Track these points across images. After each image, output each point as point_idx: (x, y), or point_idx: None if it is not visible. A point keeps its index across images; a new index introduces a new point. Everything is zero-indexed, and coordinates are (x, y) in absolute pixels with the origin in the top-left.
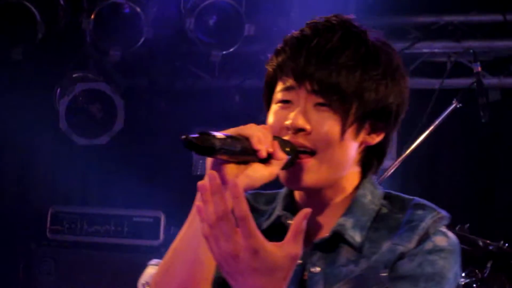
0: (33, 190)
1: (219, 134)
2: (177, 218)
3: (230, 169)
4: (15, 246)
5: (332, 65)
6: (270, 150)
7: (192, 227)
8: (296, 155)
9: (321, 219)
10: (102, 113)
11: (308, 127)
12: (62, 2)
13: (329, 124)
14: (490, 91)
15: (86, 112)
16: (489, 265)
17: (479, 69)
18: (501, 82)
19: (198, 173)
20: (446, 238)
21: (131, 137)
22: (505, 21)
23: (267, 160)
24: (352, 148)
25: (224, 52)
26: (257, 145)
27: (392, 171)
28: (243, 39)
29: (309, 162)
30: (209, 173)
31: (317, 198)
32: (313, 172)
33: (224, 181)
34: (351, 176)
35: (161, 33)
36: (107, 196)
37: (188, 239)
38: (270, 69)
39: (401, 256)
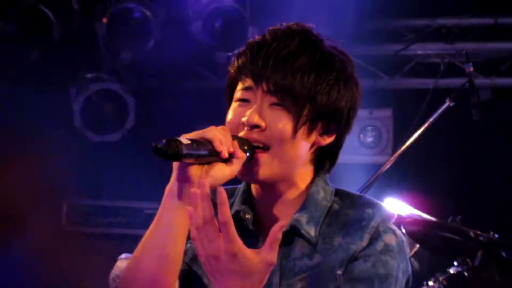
0: (49, 184)
1: (184, 140)
2: None
3: (194, 171)
4: (32, 239)
5: (287, 68)
6: (231, 150)
7: (161, 223)
8: (253, 151)
9: (277, 214)
10: (114, 111)
11: (262, 124)
12: (76, 6)
13: (283, 122)
14: (481, 90)
15: (99, 111)
16: (479, 254)
17: (471, 69)
18: (492, 82)
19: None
20: (394, 237)
21: (141, 134)
22: (496, 24)
23: (228, 159)
24: (303, 147)
25: (229, 54)
26: (219, 147)
27: (387, 166)
28: (247, 41)
29: (263, 157)
30: (199, 181)
31: (272, 193)
32: (266, 166)
33: (189, 181)
34: (304, 173)
35: (170, 36)
36: (119, 190)
37: (157, 235)
38: (232, 71)
39: (355, 255)
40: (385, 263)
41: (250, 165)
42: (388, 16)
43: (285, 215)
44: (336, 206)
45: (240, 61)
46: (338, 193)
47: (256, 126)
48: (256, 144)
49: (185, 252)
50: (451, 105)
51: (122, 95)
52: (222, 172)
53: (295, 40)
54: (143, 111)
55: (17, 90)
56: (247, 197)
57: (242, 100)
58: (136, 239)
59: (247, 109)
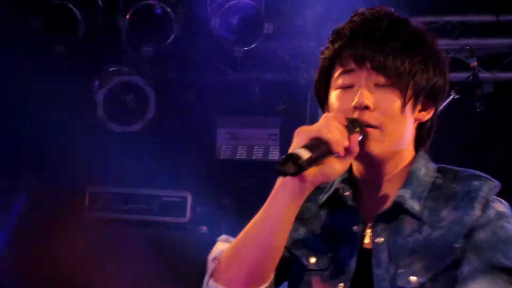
0: (73, 172)
1: (303, 153)
2: (203, 197)
3: (309, 172)
4: (56, 223)
5: (387, 48)
6: (346, 145)
7: (269, 213)
8: (366, 132)
9: (380, 192)
10: (135, 103)
11: (371, 105)
12: (100, 3)
13: (390, 101)
14: (484, 84)
15: (121, 102)
16: None
17: (475, 64)
18: (495, 76)
19: (222, 157)
20: (502, 204)
21: (161, 125)
22: (498, 21)
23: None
24: (410, 123)
25: (245, 48)
26: (336, 149)
27: None
28: (262, 37)
29: (375, 134)
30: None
31: (377, 172)
32: (378, 142)
33: (303, 180)
34: (407, 151)
35: (189, 31)
36: (139, 178)
37: (263, 224)
38: (326, 57)
39: (470, 225)
40: (502, 227)
41: (362, 141)
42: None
43: (389, 193)
44: (439, 181)
45: (336, 46)
46: (441, 169)
47: (367, 107)
48: (368, 125)
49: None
50: (456, 97)
51: (143, 87)
52: (335, 168)
53: (384, 21)
54: (163, 103)
55: (43, 82)
56: (348, 176)
57: (346, 86)
58: (154, 225)
59: (352, 93)
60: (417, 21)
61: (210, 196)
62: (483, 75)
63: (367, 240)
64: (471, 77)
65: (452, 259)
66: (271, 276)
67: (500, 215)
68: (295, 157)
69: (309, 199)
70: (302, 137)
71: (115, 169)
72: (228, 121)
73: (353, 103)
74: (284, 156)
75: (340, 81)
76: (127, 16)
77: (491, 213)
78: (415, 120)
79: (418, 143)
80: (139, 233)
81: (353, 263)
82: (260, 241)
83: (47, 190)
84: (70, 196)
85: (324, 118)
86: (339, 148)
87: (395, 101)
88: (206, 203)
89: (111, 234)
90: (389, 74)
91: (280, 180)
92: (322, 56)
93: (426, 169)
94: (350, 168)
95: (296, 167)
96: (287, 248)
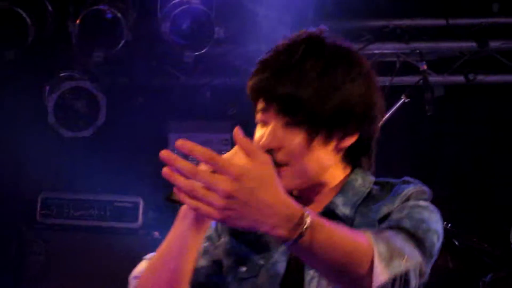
0: (25, 178)
1: None
2: (154, 203)
3: None
4: (8, 229)
5: (294, 86)
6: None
7: (173, 241)
8: (277, 170)
9: (316, 198)
10: (86, 108)
11: (275, 145)
12: (50, 8)
13: (297, 140)
14: (435, 87)
15: (72, 108)
16: None
17: (425, 67)
18: (445, 79)
19: None
20: (427, 203)
21: (112, 130)
22: (448, 25)
23: None
24: (323, 156)
25: (196, 53)
26: None
27: None
28: (213, 41)
29: (285, 171)
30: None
31: (307, 193)
32: (289, 178)
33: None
34: (336, 172)
35: (140, 36)
36: (91, 183)
37: (169, 250)
38: (249, 90)
39: (388, 213)
40: (419, 213)
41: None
42: (347, 17)
43: (324, 200)
44: (374, 192)
45: (251, 83)
46: (379, 182)
47: (271, 149)
48: (278, 163)
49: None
50: (406, 101)
51: (94, 92)
52: None
53: (296, 53)
54: (114, 108)
55: None
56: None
57: (262, 122)
58: (107, 230)
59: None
60: (344, 40)
61: (161, 201)
62: (434, 78)
63: None
64: (421, 80)
65: None
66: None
67: (421, 206)
68: None
69: None
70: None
71: (66, 174)
72: (180, 126)
73: (260, 143)
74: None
75: (258, 117)
76: (77, 21)
77: (411, 203)
78: (335, 148)
79: (353, 162)
80: (91, 239)
81: (281, 268)
82: (168, 267)
83: None
84: (21, 202)
85: (232, 152)
86: None
87: (302, 139)
88: (159, 208)
89: (63, 240)
90: (295, 113)
91: (181, 211)
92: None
93: (363, 180)
94: None
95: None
96: (219, 261)
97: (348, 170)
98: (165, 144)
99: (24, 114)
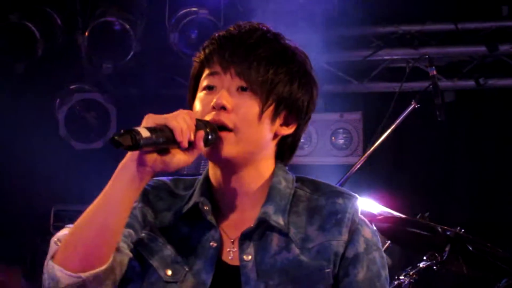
0: (38, 191)
1: (144, 131)
2: None
3: (150, 157)
4: (23, 241)
5: (253, 57)
6: (191, 139)
7: (108, 195)
8: (216, 133)
9: (239, 205)
10: (97, 120)
11: (229, 105)
12: (59, 21)
13: (249, 105)
14: (445, 92)
15: (83, 120)
16: (447, 249)
17: (435, 72)
18: (455, 84)
19: (185, 172)
20: (368, 228)
21: None
22: (457, 30)
23: (187, 148)
24: (267, 132)
25: None
26: (179, 137)
27: (358, 167)
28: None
29: (228, 136)
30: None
31: (235, 181)
32: (231, 145)
33: (144, 165)
34: (267, 164)
35: (149, 47)
36: None
37: (102, 206)
38: (197, 62)
39: (339, 251)
40: (373, 261)
41: (216, 144)
42: (356, 24)
43: (247, 206)
44: (300, 192)
45: (207, 51)
46: (299, 179)
47: (224, 107)
48: (222, 126)
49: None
50: (416, 106)
51: (104, 104)
52: (177, 159)
53: (257, 33)
54: (124, 119)
55: (3, 102)
56: (206, 188)
57: (209, 88)
58: None
59: (214, 95)
60: (293, 41)
61: None
62: (444, 83)
63: (230, 256)
64: (431, 86)
65: (324, 284)
66: (109, 260)
67: (369, 245)
68: (134, 132)
69: (168, 208)
70: (149, 121)
71: (78, 186)
72: None
73: (212, 103)
74: (123, 129)
75: (205, 83)
76: (86, 34)
77: (360, 246)
78: (276, 134)
79: (280, 158)
80: None
81: (208, 279)
82: (96, 222)
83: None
84: (35, 214)
85: (176, 112)
86: (182, 138)
87: (254, 107)
88: None
89: None
90: (251, 80)
91: (122, 163)
92: (194, 60)
93: (286, 181)
94: (209, 179)
95: (133, 141)
96: (143, 258)
97: (272, 167)
98: None
99: (35, 127)
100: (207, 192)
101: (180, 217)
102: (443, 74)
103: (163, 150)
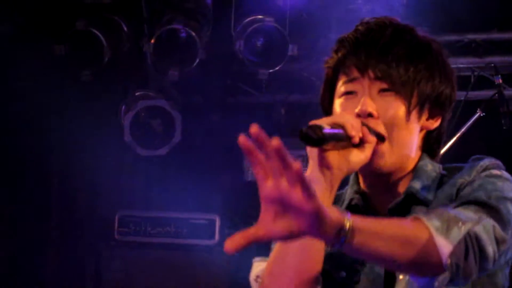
0: (102, 197)
1: (325, 125)
2: (230, 220)
3: (332, 157)
4: (87, 247)
5: (390, 55)
6: (361, 135)
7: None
8: (379, 137)
9: (392, 183)
10: (162, 126)
11: (375, 112)
12: (125, 28)
13: (395, 107)
14: (510, 101)
15: (148, 126)
16: None
17: (500, 81)
18: None
19: (249, 179)
20: (501, 172)
21: (188, 148)
22: None
23: (359, 144)
24: (416, 130)
25: (270, 71)
26: (351, 132)
27: None
28: (287, 58)
29: (382, 147)
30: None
31: (385, 183)
32: (387, 156)
33: (330, 168)
34: (414, 160)
35: (214, 54)
36: (167, 201)
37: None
38: (330, 67)
39: (462, 186)
40: (492, 183)
41: (371, 156)
42: (421, 32)
43: (397, 190)
44: (446, 179)
45: (340, 55)
46: (446, 168)
47: (370, 114)
48: (376, 132)
49: None
50: (482, 115)
51: (169, 111)
52: (358, 157)
53: (388, 29)
54: (190, 126)
55: (70, 109)
56: (358, 189)
57: (348, 93)
58: (183, 247)
59: (355, 101)
60: (424, 30)
61: (238, 218)
62: (509, 92)
63: None
64: (497, 94)
65: None
66: (318, 280)
67: (494, 175)
68: (317, 126)
69: None
70: (321, 121)
71: (143, 193)
72: None
73: (356, 110)
74: (306, 126)
75: (343, 89)
76: (152, 41)
77: (484, 174)
78: (422, 128)
79: (427, 152)
80: (168, 256)
81: (381, 270)
82: (298, 247)
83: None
84: (100, 220)
85: (337, 112)
86: (354, 132)
87: (400, 108)
88: (235, 225)
89: (141, 257)
90: (392, 81)
91: (308, 175)
92: (326, 66)
93: (433, 166)
94: (358, 181)
95: (318, 134)
96: None
97: (418, 156)
98: (241, 162)
99: (101, 133)
100: (358, 190)
101: None
102: (508, 83)
103: (340, 150)
